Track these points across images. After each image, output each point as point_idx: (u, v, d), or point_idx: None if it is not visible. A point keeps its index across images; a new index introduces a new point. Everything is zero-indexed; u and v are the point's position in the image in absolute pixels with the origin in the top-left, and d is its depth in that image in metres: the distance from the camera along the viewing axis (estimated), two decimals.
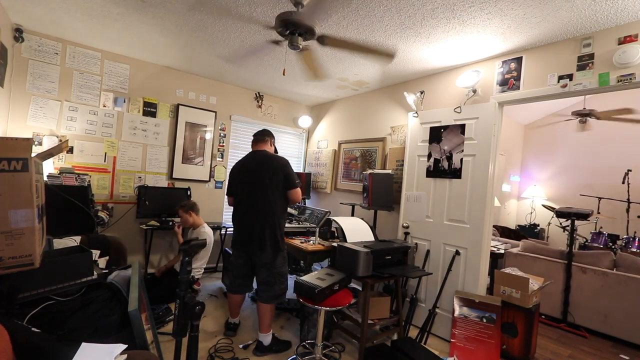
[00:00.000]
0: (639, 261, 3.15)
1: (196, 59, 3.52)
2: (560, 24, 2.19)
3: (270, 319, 2.43)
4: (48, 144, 3.19)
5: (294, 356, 2.39)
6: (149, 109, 3.80)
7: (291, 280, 4.12)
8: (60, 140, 3.26)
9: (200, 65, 3.74)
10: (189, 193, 3.90)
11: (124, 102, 3.63)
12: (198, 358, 1.42)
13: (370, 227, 3.01)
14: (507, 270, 2.84)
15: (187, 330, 1.32)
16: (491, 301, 2.55)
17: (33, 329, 1.10)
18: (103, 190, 3.54)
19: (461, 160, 2.86)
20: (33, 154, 1.15)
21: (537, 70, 2.50)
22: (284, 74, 2.67)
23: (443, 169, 2.99)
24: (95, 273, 1.47)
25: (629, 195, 4.82)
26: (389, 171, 3.40)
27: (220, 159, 4.36)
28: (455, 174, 2.89)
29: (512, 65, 2.64)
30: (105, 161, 3.55)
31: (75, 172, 3.10)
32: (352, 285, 2.99)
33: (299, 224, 3.16)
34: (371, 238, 2.87)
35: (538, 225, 5.93)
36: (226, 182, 4.39)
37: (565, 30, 2.26)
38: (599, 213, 4.97)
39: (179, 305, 1.34)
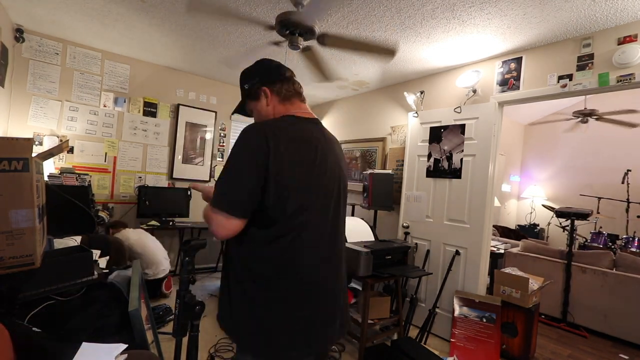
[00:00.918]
0: (639, 261, 3.15)
1: (196, 59, 3.52)
2: (560, 24, 2.20)
3: None
4: (49, 144, 3.20)
5: None
6: (149, 109, 3.81)
7: None
8: (61, 140, 3.26)
9: (200, 65, 3.75)
10: (189, 193, 3.90)
11: (125, 102, 3.64)
12: (198, 358, 1.42)
13: (370, 227, 3.01)
14: (507, 270, 2.84)
15: (187, 330, 1.33)
16: (491, 301, 2.55)
17: (34, 328, 1.10)
18: (103, 190, 3.54)
19: (461, 160, 2.86)
20: (34, 154, 1.16)
21: (537, 70, 2.50)
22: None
23: (443, 169, 2.99)
24: (95, 273, 1.47)
25: (628, 195, 4.82)
26: (389, 171, 3.41)
27: (221, 159, 4.36)
28: (455, 174, 2.89)
29: (512, 65, 2.64)
30: (105, 161, 3.56)
31: (76, 172, 3.11)
32: (352, 285, 2.99)
33: None
34: (371, 238, 2.87)
35: (538, 225, 5.93)
36: None
37: (565, 30, 2.26)
38: (598, 213, 4.98)
39: (179, 305, 1.34)
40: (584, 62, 2.26)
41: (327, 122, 4.79)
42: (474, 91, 2.86)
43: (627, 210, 4.83)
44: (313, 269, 0.99)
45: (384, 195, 3.24)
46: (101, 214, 3.17)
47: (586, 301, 3.25)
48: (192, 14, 2.50)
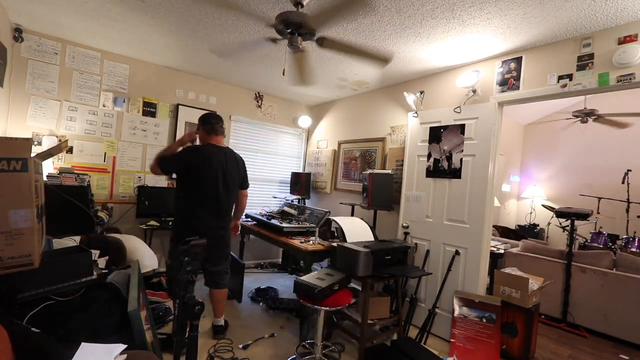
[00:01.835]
0: (639, 261, 3.15)
1: (196, 58, 3.52)
2: (560, 24, 2.20)
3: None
4: (48, 143, 3.19)
5: (294, 356, 2.39)
6: (149, 109, 3.80)
7: (291, 280, 4.13)
8: (60, 140, 3.26)
9: (200, 65, 3.74)
10: None
11: (124, 102, 3.63)
12: (198, 358, 1.42)
13: (370, 227, 3.01)
14: (507, 270, 2.84)
15: (187, 330, 1.32)
16: (491, 301, 2.55)
17: (33, 329, 1.10)
18: (103, 190, 3.54)
19: (461, 160, 2.86)
20: (33, 154, 1.15)
21: (536, 70, 2.50)
22: (283, 74, 2.67)
23: (443, 169, 2.99)
24: (94, 273, 1.46)
25: (628, 195, 4.82)
26: (389, 171, 3.40)
27: None
28: (455, 174, 2.89)
29: (512, 65, 2.64)
30: (104, 161, 3.55)
31: (75, 172, 3.10)
32: (352, 285, 2.99)
33: (298, 224, 3.16)
34: (371, 238, 2.87)
35: (538, 225, 5.93)
36: None
37: (565, 30, 2.26)
38: (598, 213, 4.98)
39: (179, 305, 1.34)
40: (584, 62, 2.26)
41: (327, 122, 4.79)
42: (474, 91, 2.86)
43: (627, 211, 4.83)
44: (200, 207, 2.37)
45: (384, 195, 3.24)
46: (100, 214, 3.17)
47: (586, 301, 3.25)
48: (192, 13, 2.50)
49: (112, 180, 3.60)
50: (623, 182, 4.86)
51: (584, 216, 3.52)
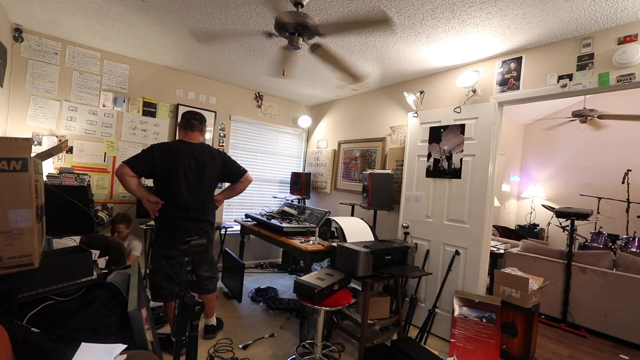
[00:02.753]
0: (639, 261, 3.15)
1: (196, 58, 3.52)
2: (560, 24, 2.19)
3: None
4: (47, 143, 3.19)
5: (294, 356, 2.39)
6: (149, 109, 3.80)
7: (291, 280, 4.13)
8: (60, 140, 3.25)
9: (200, 65, 3.74)
10: None
11: (124, 102, 3.63)
12: (197, 358, 1.42)
13: (370, 227, 3.01)
14: (507, 270, 2.84)
15: (187, 330, 1.32)
16: (491, 301, 2.55)
17: (33, 329, 1.10)
18: (103, 190, 3.54)
19: (461, 160, 2.86)
20: (32, 154, 1.15)
21: (536, 70, 2.50)
22: (283, 74, 2.66)
23: (443, 169, 2.99)
24: (94, 273, 1.46)
25: (628, 195, 4.82)
26: (389, 171, 3.40)
27: None
28: (455, 174, 2.89)
29: (512, 65, 2.64)
30: (104, 161, 3.55)
31: (75, 172, 3.09)
32: (352, 285, 2.99)
33: (298, 224, 3.16)
34: (371, 238, 2.87)
35: (538, 225, 5.93)
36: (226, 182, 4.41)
37: (565, 30, 2.26)
38: (598, 213, 4.98)
39: (179, 305, 1.34)
40: (584, 61, 2.26)
41: (327, 122, 4.79)
42: (474, 91, 2.86)
43: (627, 211, 4.83)
44: (172, 208, 2.27)
45: (384, 195, 3.24)
46: (100, 214, 3.17)
47: (586, 301, 3.25)
48: (192, 13, 2.50)
49: (112, 180, 3.60)
50: (623, 182, 4.86)
51: (584, 216, 3.52)
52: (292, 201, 4.43)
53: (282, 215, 3.50)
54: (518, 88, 2.59)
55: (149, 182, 3.75)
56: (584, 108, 4.64)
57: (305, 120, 4.94)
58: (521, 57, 2.59)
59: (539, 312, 2.82)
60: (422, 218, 3.10)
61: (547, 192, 6.19)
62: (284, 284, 3.94)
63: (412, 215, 3.18)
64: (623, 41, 2.10)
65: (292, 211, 3.54)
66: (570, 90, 2.31)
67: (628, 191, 4.83)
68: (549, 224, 5.80)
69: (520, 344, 2.56)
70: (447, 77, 3.15)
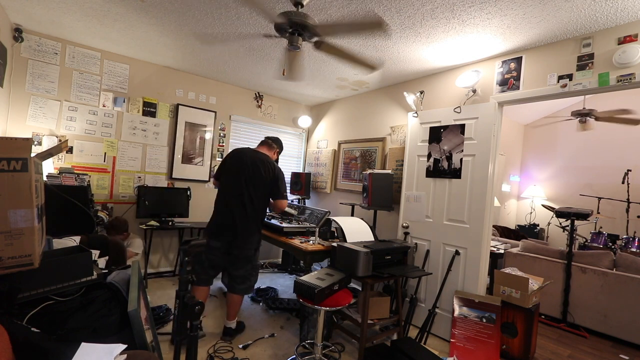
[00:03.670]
0: (639, 261, 3.15)
1: (196, 58, 3.52)
2: (560, 24, 2.19)
3: (239, 308, 2.68)
4: (47, 143, 3.19)
5: (294, 356, 2.39)
6: (149, 109, 3.80)
7: (291, 280, 4.13)
8: (60, 140, 3.26)
9: (200, 65, 3.74)
10: (188, 193, 3.90)
11: (124, 102, 3.63)
12: (197, 358, 1.42)
13: (370, 227, 3.01)
14: (507, 270, 2.84)
15: (187, 330, 1.32)
16: (491, 301, 2.55)
17: (32, 329, 1.10)
18: (103, 190, 3.54)
19: (461, 160, 2.86)
20: (32, 154, 1.15)
21: (536, 70, 2.50)
22: (283, 74, 2.67)
23: (443, 169, 2.99)
24: (94, 273, 1.46)
25: (628, 195, 4.82)
26: (389, 171, 3.40)
27: (220, 159, 4.35)
28: (455, 174, 2.89)
29: (512, 65, 2.64)
30: (104, 161, 3.55)
31: (75, 172, 3.10)
32: (352, 285, 2.98)
33: (298, 224, 3.16)
34: (371, 238, 2.87)
35: (538, 225, 5.93)
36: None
37: (565, 30, 2.26)
38: (598, 213, 4.98)
39: (179, 305, 1.34)
40: (584, 62, 2.26)
41: (327, 122, 4.79)
42: (474, 91, 2.86)
43: (627, 211, 4.83)
44: (225, 205, 2.55)
45: (384, 195, 3.24)
46: (100, 214, 3.17)
47: (586, 301, 3.25)
48: (192, 13, 2.50)
49: (112, 180, 3.60)
50: (623, 182, 4.86)
51: (584, 216, 3.52)
52: (292, 201, 4.43)
53: (282, 215, 3.50)
54: (518, 88, 2.59)
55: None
56: (584, 108, 4.64)
57: (305, 120, 4.94)
58: (521, 57, 2.59)
59: (539, 312, 2.82)
60: (422, 218, 3.10)
61: (547, 192, 6.19)
62: (284, 284, 3.94)
63: (412, 215, 3.18)
64: (623, 41, 2.10)
65: (292, 211, 3.54)
66: (570, 90, 2.31)
67: (628, 191, 4.83)
68: (549, 224, 5.80)
69: (520, 344, 2.56)
70: (447, 77, 3.15)
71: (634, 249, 4.07)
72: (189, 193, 3.90)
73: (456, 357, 2.52)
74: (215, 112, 4.25)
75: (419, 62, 3.05)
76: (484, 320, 2.52)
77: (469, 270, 2.73)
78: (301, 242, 2.83)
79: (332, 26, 2.17)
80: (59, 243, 1.77)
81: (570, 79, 2.30)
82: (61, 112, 3.30)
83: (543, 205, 5.21)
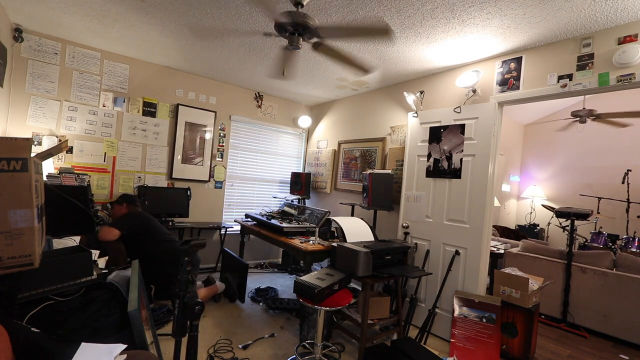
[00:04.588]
0: (639, 261, 3.15)
1: (196, 58, 3.52)
2: (560, 24, 2.20)
3: None
4: (47, 143, 3.19)
5: (294, 356, 2.39)
6: (149, 109, 3.80)
7: (291, 280, 4.13)
8: (60, 140, 3.25)
9: (200, 65, 3.74)
10: (188, 193, 3.90)
11: (124, 102, 3.63)
12: (197, 358, 1.42)
13: (370, 227, 3.01)
14: (507, 270, 2.84)
15: (187, 330, 1.32)
16: (491, 301, 2.55)
17: (32, 329, 1.10)
18: (103, 190, 3.54)
19: (461, 160, 2.86)
20: (32, 154, 1.15)
21: (536, 70, 2.50)
22: (283, 74, 2.67)
23: (443, 169, 2.99)
24: (94, 273, 1.46)
25: (628, 195, 4.82)
26: (389, 171, 3.40)
27: (220, 159, 4.36)
28: (455, 174, 2.89)
29: (512, 65, 2.64)
30: (104, 161, 3.55)
31: (75, 172, 3.10)
32: (352, 285, 2.99)
33: (298, 224, 3.16)
34: (371, 238, 2.87)
35: (538, 225, 5.93)
36: (226, 182, 4.42)
37: (565, 30, 2.26)
38: (598, 213, 4.97)
39: (179, 305, 1.34)
40: (584, 61, 2.26)
41: (327, 122, 4.79)
42: (474, 91, 2.86)
43: (627, 210, 4.83)
44: None
45: (384, 195, 3.24)
46: (100, 214, 3.17)
47: (586, 301, 3.25)
48: (192, 13, 2.50)
49: (112, 180, 3.60)
50: (623, 182, 4.85)
51: (584, 216, 3.52)
52: (292, 201, 4.43)
53: (282, 215, 3.50)
54: (518, 88, 2.59)
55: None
56: (584, 108, 4.64)
57: (305, 120, 4.94)
58: (521, 57, 2.59)
59: (539, 312, 2.82)
60: (422, 218, 3.10)
61: (547, 192, 6.19)
62: (284, 284, 3.94)
63: (412, 215, 3.18)
64: (623, 41, 2.10)
65: (292, 211, 3.54)
66: (570, 90, 2.31)
67: (628, 191, 4.83)
68: (549, 224, 5.80)
69: (520, 344, 2.56)
70: (447, 77, 3.15)
71: (634, 249, 4.07)
72: (189, 193, 3.90)
73: (456, 357, 2.52)
74: (215, 112, 4.25)
75: (419, 62, 3.05)
76: (484, 320, 2.52)
77: (469, 270, 2.73)
78: (301, 242, 2.83)
79: (336, 29, 2.17)
80: (59, 243, 1.77)
81: (570, 79, 2.30)
82: (61, 112, 3.30)
83: (543, 205, 5.20)
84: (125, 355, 1.07)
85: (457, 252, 2.81)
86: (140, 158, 3.77)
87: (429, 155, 3.10)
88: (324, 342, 2.53)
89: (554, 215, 3.94)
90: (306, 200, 4.73)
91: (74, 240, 2.03)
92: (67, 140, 3.31)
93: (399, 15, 2.26)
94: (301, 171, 5.08)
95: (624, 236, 4.34)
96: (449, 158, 2.94)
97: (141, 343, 1.26)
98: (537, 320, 2.75)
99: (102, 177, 3.54)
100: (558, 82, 2.36)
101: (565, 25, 2.20)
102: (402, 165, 3.39)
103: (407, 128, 3.38)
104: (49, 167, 3.03)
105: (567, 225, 3.82)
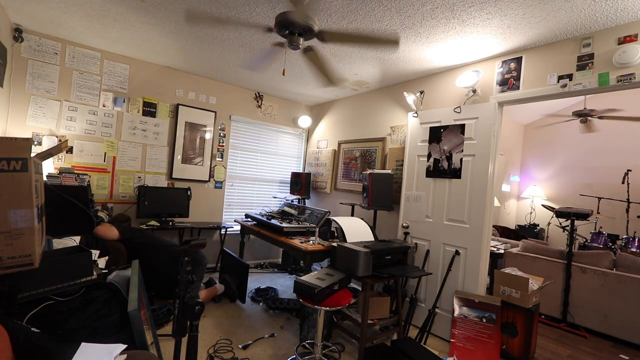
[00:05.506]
0: (639, 261, 3.15)
1: (196, 58, 3.52)
2: (560, 24, 2.20)
3: None
4: (47, 144, 3.19)
5: (294, 356, 2.39)
6: (149, 109, 3.80)
7: (291, 280, 4.13)
8: (60, 140, 3.26)
9: (200, 65, 3.74)
10: (188, 193, 3.90)
11: (124, 102, 3.63)
12: (197, 358, 1.42)
13: (370, 227, 3.01)
14: (507, 270, 2.84)
15: (187, 330, 1.32)
16: (491, 301, 2.55)
17: (32, 329, 1.10)
18: (102, 190, 3.54)
19: (461, 160, 2.86)
20: (32, 154, 1.15)
21: (536, 70, 2.50)
22: (283, 74, 2.66)
23: (443, 169, 2.99)
24: (94, 273, 1.46)
25: (628, 195, 4.82)
26: (389, 171, 3.40)
27: (220, 159, 4.36)
28: (455, 174, 2.89)
29: (512, 65, 2.64)
30: (104, 161, 3.55)
31: (75, 172, 3.10)
32: (352, 285, 2.99)
33: (298, 224, 3.16)
34: (371, 238, 2.87)
35: (538, 225, 5.93)
36: (226, 182, 4.42)
37: (565, 30, 2.26)
38: (598, 213, 4.97)
39: (179, 305, 1.34)
40: (584, 61, 2.26)
41: (327, 122, 4.79)
42: (474, 91, 2.86)
43: (627, 210, 4.83)
44: None
45: (384, 195, 3.24)
46: (100, 214, 3.17)
47: (586, 301, 3.25)
48: (192, 13, 2.50)
49: (112, 180, 3.60)
50: (623, 182, 4.85)
51: (584, 216, 3.52)
52: (292, 201, 4.43)
53: (282, 215, 3.50)
54: (518, 88, 2.59)
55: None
56: (584, 108, 4.64)
57: (305, 120, 4.94)
58: (521, 57, 2.59)
59: (539, 312, 2.82)
60: (422, 218, 3.10)
61: (547, 192, 6.19)
62: (284, 284, 3.94)
63: (412, 215, 3.18)
64: (623, 41, 2.10)
65: (292, 211, 3.54)
66: (570, 90, 2.31)
67: (628, 191, 4.83)
68: (549, 224, 5.80)
69: (520, 344, 2.56)
70: (447, 77, 3.15)
71: (634, 249, 4.07)
72: (189, 193, 3.90)
73: (456, 357, 2.52)
74: (215, 112, 4.25)
75: (419, 62, 3.05)
76: (484, 320, 2.52)
77: (469, 270, 2.73)
78: (301, 242, 2.83)
79: (339, 34, 2.17)
80: (59, 243, 1.77)
81: (570, 79, 2.30)
82: (61, 112, 3.30)
83: (543, 205, 5.20)
84: (125, 355, 1.07)
85: (457, 252, 2.81)
86: (140, 158, 3.77)
87: (429, 155, 3.10)
88: (324, 342, 2.53)
89: (554, 215, 3.94)
90: (306, 200, 4.73)
91: (74, 240, 2.04)
92: (67, 140, 3.31)
93: (398, 15, 2.26)
94: (301, 171, 5.08)
95: (624, 236, 4.34)
96: (449, 158, 2.94)
97: (141, 343, 1.26)
98: (537, 320, 2.75)
99: (102, 177, 3.54)
100: (558, 82, 2.36)
101: (565, 25, 2.20)
102: (402, 165, 3.39)
103: (407, 128, 3.38)
104: (49, 167, 3.03)
105: (567, 225, 3.82)
